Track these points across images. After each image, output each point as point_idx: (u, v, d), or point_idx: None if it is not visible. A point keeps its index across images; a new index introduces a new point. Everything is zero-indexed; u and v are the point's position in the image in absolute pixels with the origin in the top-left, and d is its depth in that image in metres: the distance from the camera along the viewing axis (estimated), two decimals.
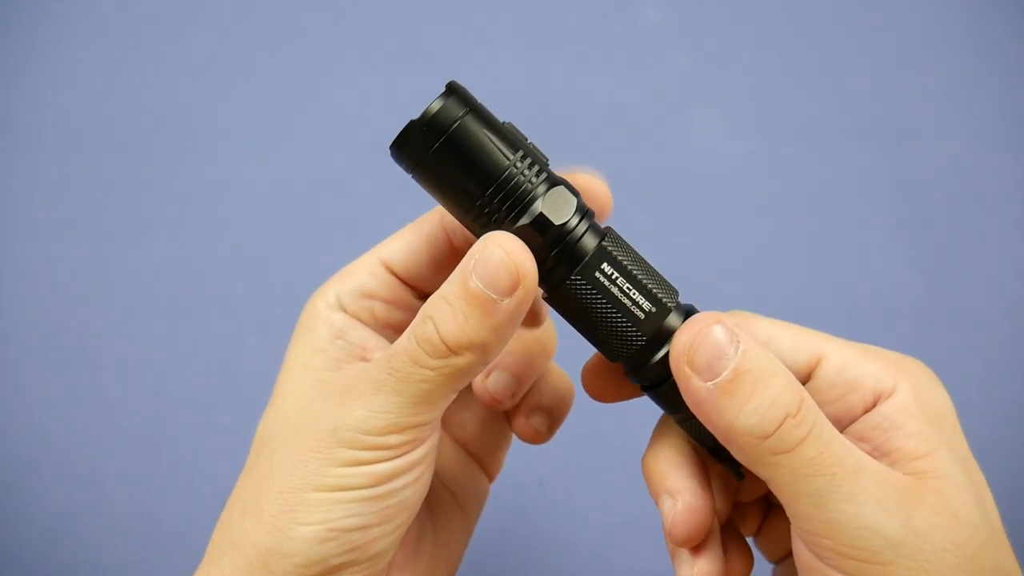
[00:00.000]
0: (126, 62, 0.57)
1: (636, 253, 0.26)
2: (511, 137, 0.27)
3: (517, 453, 0.44)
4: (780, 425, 0.21)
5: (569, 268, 0.24)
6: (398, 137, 0.25)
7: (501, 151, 0.26)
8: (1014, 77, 0.55)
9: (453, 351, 0.22)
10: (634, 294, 0.24)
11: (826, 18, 0.58)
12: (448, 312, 0.22)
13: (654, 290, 0.25)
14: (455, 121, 0.25)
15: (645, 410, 0.46)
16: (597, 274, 0.24)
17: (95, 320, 0.48)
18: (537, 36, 0.57)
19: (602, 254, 0.24)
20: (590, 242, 0.24)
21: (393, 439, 0.23)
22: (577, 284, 0.24)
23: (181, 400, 0.46)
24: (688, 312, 0.25)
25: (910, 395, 0.23)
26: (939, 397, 0.23)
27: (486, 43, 0.57)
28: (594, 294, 0.24)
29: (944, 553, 0.21)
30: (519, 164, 0.26)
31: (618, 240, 0.25)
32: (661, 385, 0.25)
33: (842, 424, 0.23)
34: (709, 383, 0.22)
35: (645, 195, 0.51)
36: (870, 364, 0.23)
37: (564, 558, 0.42)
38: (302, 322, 0.28)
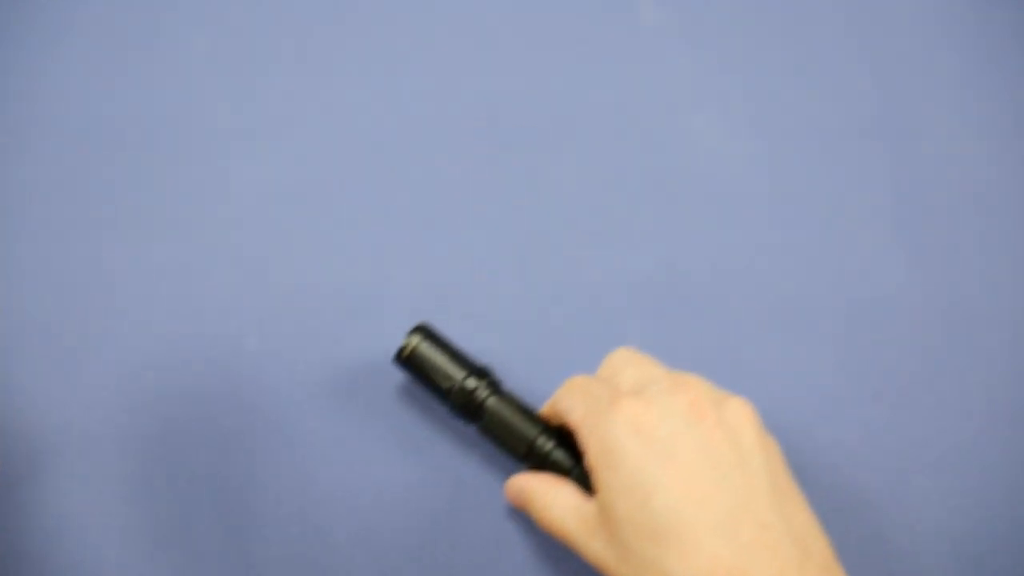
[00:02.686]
0: (126, 62, 0.57)
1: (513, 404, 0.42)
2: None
3: None
4: (534, 519, 0.36)
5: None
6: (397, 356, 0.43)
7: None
8: (1015, 77, 0.55)
9: None
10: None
11: (826, 18, 0.58)
12: None
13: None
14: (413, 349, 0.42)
15: None
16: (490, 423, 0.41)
17: (95, 320, 0.48)
18: (536, 36, 0.58)
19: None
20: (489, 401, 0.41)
21: None
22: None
23: (181, 400, 0.46)
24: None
25: (591, 454, 0.32)
26: (605, 448, 0.32)
27: (485, 43, 0.57)
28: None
29: (610, 560, 0.31)
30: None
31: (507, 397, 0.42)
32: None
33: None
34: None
35: (645, 195, 0.51)
36: (581, 430, 0.33)
37: (563, 557, 0.42)
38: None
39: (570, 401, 0.35)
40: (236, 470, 0.44)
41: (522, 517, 0.43)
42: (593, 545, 0.32)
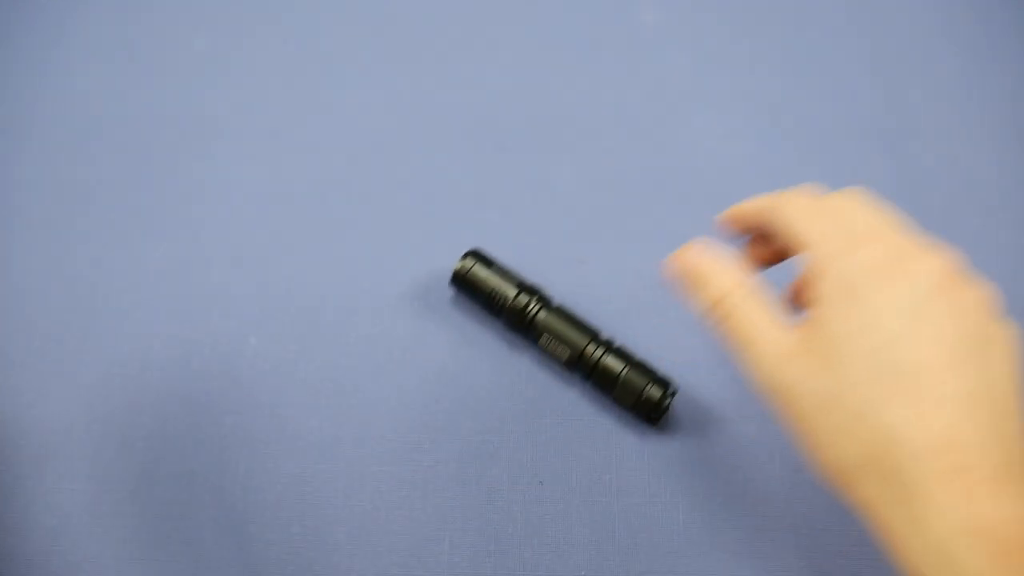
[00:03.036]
0: (127, 62, 0.57)
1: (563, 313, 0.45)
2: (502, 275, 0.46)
3: (517, 453, 0.45)
4: (710, 310, 0.32)
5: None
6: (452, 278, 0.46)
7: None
8: (1015, 77, 0.55)
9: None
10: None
11: (826, 18, 0.58)
12: None
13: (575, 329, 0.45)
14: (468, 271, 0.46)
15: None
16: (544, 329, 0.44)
17: (96, 320, 0.48)
18: (536, 36, 0.58)
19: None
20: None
21: None
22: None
23: (182, 400, 0.46)
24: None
25: (832, 280, 0.29)
26: (851, 282, 0.29)
27: (485, 44, 0.57)
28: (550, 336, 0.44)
29: (809, 395, 0.28)
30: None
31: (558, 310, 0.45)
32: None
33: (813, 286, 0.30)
34: (678, 289, 0.34)
35: (644, 195, 0.51)
36: (822, 248, 0.30)
37: (563, 556, 0.42)
38: None
39: (803, 215, 0.32)
40: (236, 470, 0.44)
41: (522, 516, 0.43)
42: (789, 369, 0.29)
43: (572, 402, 0.46)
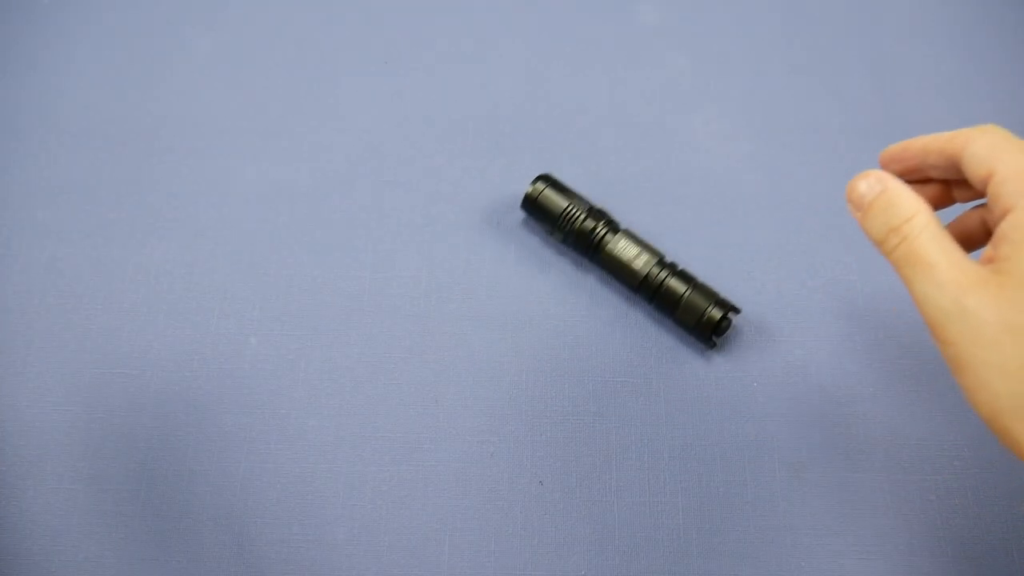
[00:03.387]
0: (127, 62, 0.57)
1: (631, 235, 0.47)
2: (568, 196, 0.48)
3: (517, 453, 0.45)
4: (885, 236, 0.32)
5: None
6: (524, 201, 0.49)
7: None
8: (1013, 77, 0.55)
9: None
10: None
11: (825, 18, 0.58)
12: None
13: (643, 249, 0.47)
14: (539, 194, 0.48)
15: (644, 413, 0.47)
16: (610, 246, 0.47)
17: (96, 320, 0.48)
18: (536, 37, 0.58)
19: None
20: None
21: None
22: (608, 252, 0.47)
23: (182, 400, 0.46)
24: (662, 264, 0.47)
25: (1015, 218, 0.29)
26: None
27: (486, 44, 0.57)
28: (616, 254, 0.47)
29: (986, 326, 0.28)
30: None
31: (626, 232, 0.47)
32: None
33: (996, 224, 0.30)
34: (858, 212, 0.34)
35: (644, 195, 0.51)
36: (1011, 185, 0.30)
37: (563, 556, 0.42)
38: None
39: (994, 148, 0.32)
40: (237, 469, 0.44)
41: (522, 516, 0.43)
42: (973, 297, 0.28)
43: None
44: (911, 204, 0.32)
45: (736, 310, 0.45)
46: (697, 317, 0.45)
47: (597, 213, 0.47)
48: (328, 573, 0.42)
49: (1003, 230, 0.29)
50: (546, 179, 0.48)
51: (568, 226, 0.47)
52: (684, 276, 0.46)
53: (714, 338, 0.45)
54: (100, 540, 0.43)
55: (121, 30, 0.58)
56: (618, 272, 0.46)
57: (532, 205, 0.48)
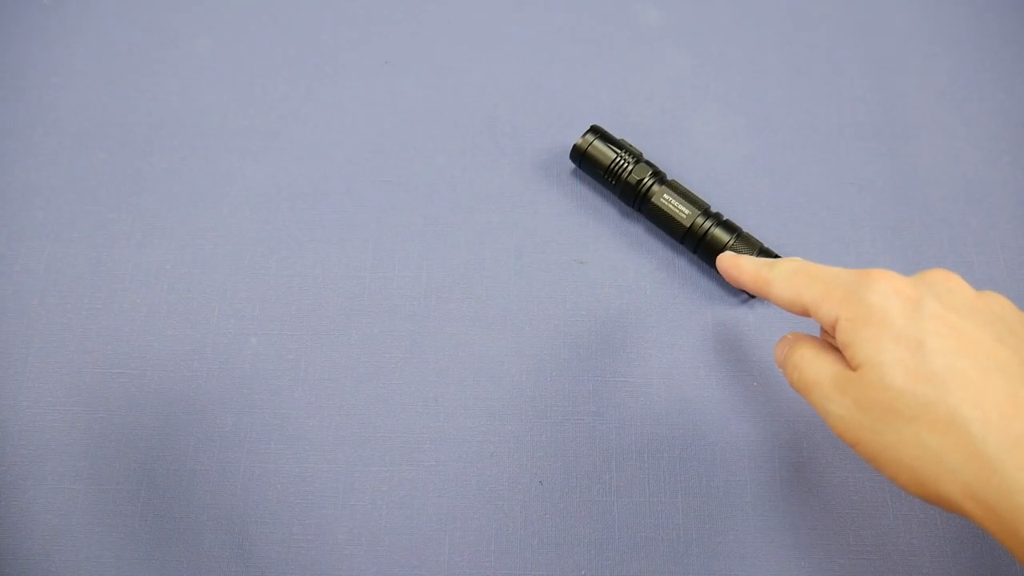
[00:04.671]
0: (127, 62, 0.57)
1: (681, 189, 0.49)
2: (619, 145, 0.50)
3: (516, 453, 0.45)
4: (790, 376, 0.35)
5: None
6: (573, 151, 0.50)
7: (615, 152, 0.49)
8: (1013, 77, 0.55)
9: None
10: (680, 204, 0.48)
11: (825, 18, 0.58)
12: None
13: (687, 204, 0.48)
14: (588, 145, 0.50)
15: (644, 412, 0.47)
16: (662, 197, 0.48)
17: (96, 320, 0.48)
18: (536, 37, 0.58)
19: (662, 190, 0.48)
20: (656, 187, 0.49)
21: None
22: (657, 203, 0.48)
23: (182, 400, 0.46)
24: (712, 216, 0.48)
25: (841, 327, 0.32)
26: (861, 313, 0.32)
27: (485, 45, 0.57)
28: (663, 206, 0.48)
29: (866, 415, 0.31)
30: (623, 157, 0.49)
31: (672, 183, 0.49)
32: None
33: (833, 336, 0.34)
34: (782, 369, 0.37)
35: None
36: (823, 308, 0.33)
37: (563, 556, 0.42)
38: None
39: (794, 286, 0.35)
40: (237, 469, 0.44)
41: (522, 516, 0.43)
42: (846, 401, 0.32)
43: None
44: (795, 340, 0.36)
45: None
46: None
47: (645, 164, 0.49)
48: (328, 573, 0.42)
49: (840, 341, 0.33)
50: (596, 131, 0.50)
51: (617, 176, 0.49)
52: (729, 226, 0.47)
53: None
54: (100, 540, 0.43)
55: (121, 30, 0.58)
56: (665, 221, 0.48)
57: (581, 157, 0.50)
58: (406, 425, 0.45)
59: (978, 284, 0.48)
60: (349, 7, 0.59)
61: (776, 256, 0.46)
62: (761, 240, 0.48)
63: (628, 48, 0.57)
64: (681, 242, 0.48)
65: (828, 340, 0.36)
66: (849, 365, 0.32)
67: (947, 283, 0.32)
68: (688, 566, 0.42)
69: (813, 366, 0.34)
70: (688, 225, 0.47)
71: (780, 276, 0.36)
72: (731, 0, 0.59)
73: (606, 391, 0.46)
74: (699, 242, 0.47)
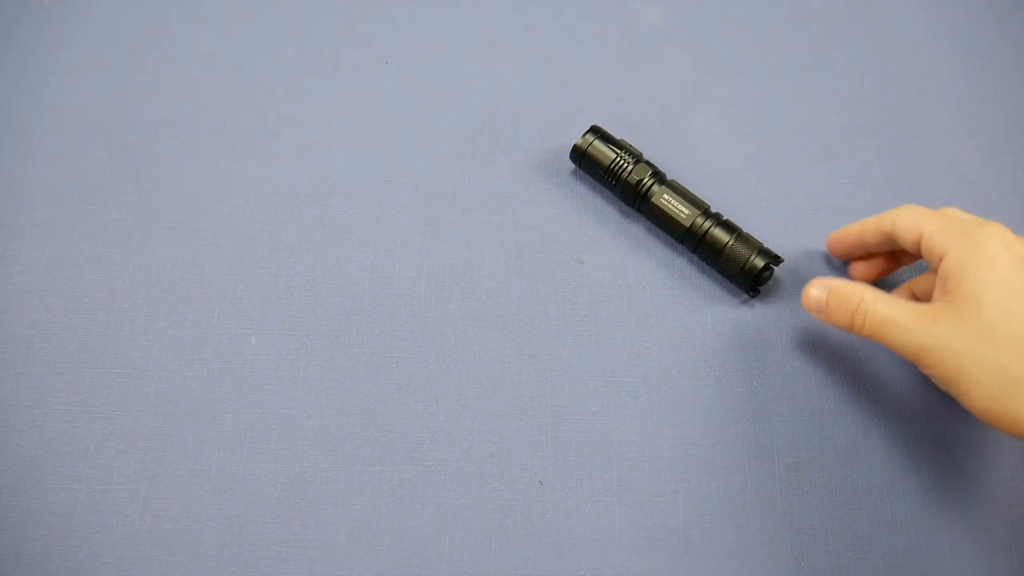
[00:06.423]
0: (127, 62, 0.57)
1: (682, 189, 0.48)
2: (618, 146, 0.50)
3: (517, 453, 0.45)
4: (851, 321, 0.40)
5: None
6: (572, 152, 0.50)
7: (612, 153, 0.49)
8: (1013, 77, 0.55)
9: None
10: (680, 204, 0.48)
11: (825, 18, 0.58)
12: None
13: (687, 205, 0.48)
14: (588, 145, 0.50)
15: (644, 412, 0.47)
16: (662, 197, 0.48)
17: (96, 320, 0.48)
18: (536, 37, 0.58)
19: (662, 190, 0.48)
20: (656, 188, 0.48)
21: None
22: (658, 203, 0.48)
23: (182, 400, 0.46)
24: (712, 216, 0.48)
25: (951, 257, 0.38)
26: (974, 251, 0.37)
27: (485, 45, 0.57)
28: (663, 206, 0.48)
29: (959, 340, 0.36)
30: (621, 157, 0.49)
31: (672, 183, 0.49)
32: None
33: (935, 267, 0.40)
34: (819, 314, 0.43)
35: None
36: (938, 237, 0.39)
37: (563, 556, 0.42)
38: None
39: (919, 217, 0.41)
40: (237, 469, 0.44)
41: (522, 515, 0.43)
42: (936, 330, 0.36)
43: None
44: (856, 289, 0.41)
45: (779, 259, 0.47)
46: (740, 266, 0.46)
47: (645, 164, 0.49)
48: (328, 573, 0.42)
49: (943, 271, 0.38)
50: (595, 131, 0.50)
51: (617, 176, 0.49)
52: (728, 226, 0.47)
53: (757, 287, 0.47)
54: (100, 540, 0.43)
55: (121, 30, 0.58)
56: (665, 221, 0.48)
57: (581, 157, 0.50)
58: (406, 425, 0.45)
59: None
60: (349, 7, 0.59)
61: (776, 256, 0.46)
62: (761, 240, 0.48)
63: (628, 48, 0.57)
64: (681, 242, 0.48)
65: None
66: (932, 298, 0.39)
67: None
68: (688, 566, 0.42)
69: (888, 308, 0.39)
70: (688, 225, 0.47)
71: (903, 210, 0.42)
72: (731, 0, 0.59)
73: (606, 391, 0.46)
74: (699, 242, 0.47)
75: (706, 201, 0.48)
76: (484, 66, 0.56)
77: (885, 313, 0.39)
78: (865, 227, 0.44)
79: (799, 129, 0.54)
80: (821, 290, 0.42)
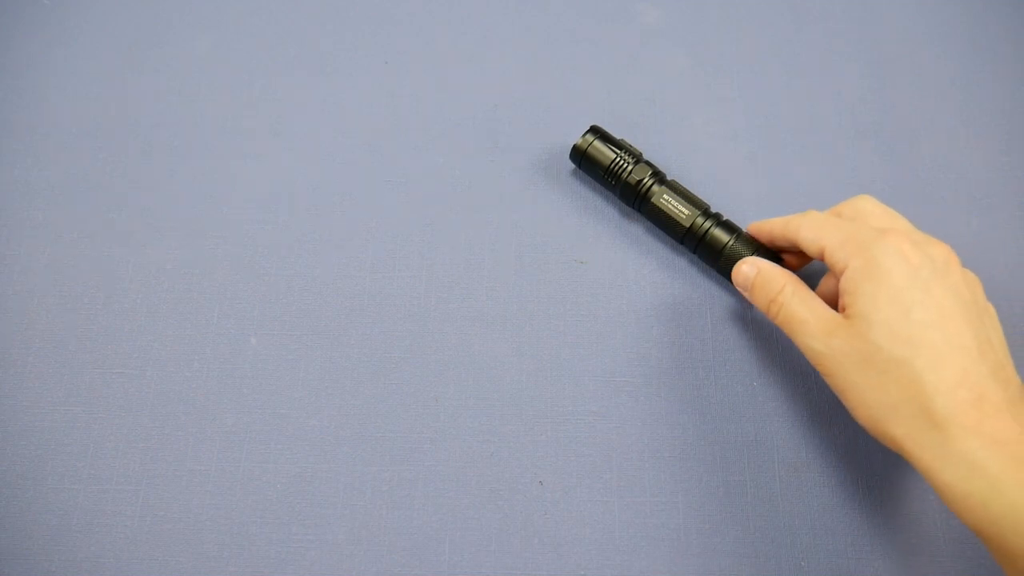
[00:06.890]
0: (127, 63, 0.57)
1: (682, 189, 0.48)
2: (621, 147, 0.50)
3: (517, 453, 0.45)
4: (767, 307, 0.42)
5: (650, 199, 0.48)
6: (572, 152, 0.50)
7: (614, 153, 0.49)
8: (1013, 77, 0.55)
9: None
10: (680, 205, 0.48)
11: (825, 18, 0.58)
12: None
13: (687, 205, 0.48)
14: (588, 145, 0.50)
15: (644, 412, 0.47)
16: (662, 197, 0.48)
17: (96, 320, 0.48)
18: (536, 37, 0.58)
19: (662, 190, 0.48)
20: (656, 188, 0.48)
21: None
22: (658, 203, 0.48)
23: (182, 400, 0.46)
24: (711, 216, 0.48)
25: (848, 273, 0.38)
26: (868, 268, 0.37)
27: (485, 45, 0.57)
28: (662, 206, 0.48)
29: (849, 357, 0.37)
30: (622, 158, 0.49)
31: (671, 184, 0.49)
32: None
33: (838, 280, 0.39)
34: (745, 292, 0.44)
35: None
36: (839, 252, 0.39)
37: (563, 556, 0.42)
38: None
39: (819, 230, 0.41)
40: (237, 469, 0.44)
41: (522, 515, 0.43)
42: (832, 340, 0.37)
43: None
44: (780, 279, 0.41)
45: (779, 259, 0.46)
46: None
47: (645, 164, 0.49)
48: (328, 573, 0.42)
49: (842, 286, 0.38)
50: (595, 131, 0.50)
51: (617, 177, 0.49)
52: (728, 226, 0.47)
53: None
54: (100, 540, 0.43)
55: (121, 30, 0.58)
56: (665, 221, 0.48)
57: (581, 157, 0.50)
58: (406, 425, 0.45)
59: None
60: (349, 7, 0.59)
61: (777, 256, 0.46)
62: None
63: (628, 48, 0.57)
64: (681, 242, 0.48)
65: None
66: (839, 310, 0.38)
67: (945, 259, 0.37)
68: (688, 566, 0.42)
69: (802, 306, 0.40)
70: (688, 225, 0.47)
71: (806, 221, 0.41)
72: (731, 0, 0.59)
73: (606, 391, 0.46)
74: (699, 242, 0.47)
75: (706, 201, 0.48)
76: (484, 66, 0.56)
77: (797, 311, 0.39)
78: (774, 230, 0.44)
79: (799, 129, 0.54)
80: (751, 268, 0.43)
